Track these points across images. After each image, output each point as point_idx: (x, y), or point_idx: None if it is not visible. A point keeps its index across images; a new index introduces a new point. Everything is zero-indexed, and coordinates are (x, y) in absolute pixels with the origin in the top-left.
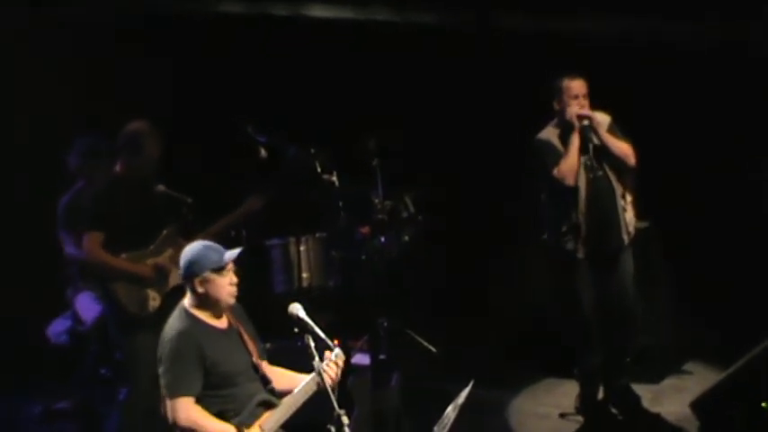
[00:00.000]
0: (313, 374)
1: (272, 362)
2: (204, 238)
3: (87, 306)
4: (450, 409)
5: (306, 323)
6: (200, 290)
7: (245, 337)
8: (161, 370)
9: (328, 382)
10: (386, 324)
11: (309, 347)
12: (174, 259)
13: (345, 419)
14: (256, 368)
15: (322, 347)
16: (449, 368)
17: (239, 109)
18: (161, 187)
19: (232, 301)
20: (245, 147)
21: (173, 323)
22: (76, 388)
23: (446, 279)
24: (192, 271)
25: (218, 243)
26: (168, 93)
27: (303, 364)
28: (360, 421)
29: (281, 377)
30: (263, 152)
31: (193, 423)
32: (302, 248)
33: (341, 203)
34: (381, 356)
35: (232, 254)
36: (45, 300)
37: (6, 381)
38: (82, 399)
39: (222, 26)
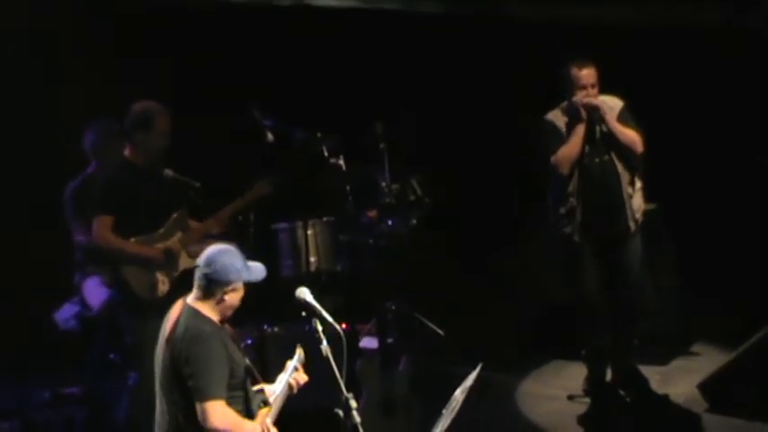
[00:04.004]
0: (287, 377)
1: (280, 347)
2: (214, 222)
3: (95, 291)
4: (458, 392)
5: (313, 307)
6: (226, 297)
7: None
8: (188, 372)
9: (296, 387)
10: (394, 308)
11: (317, 332)
12: (184, 243)
13: (353, 403)
14: (250, 370)
15: (330, 332)
16: (457, 351)
17: (246, 94)
18: (168, 171)
19: (231, 312)
20: (252, 131)
21: (191, 324)
22: (85, 373)
23: (454, 262)
24: (229, 279)
25: (227, 227)
26: (174, 78)
27: (311, 349)
28: (368, 405)
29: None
30: (269, 136)
31: (230, 425)
32: (310, 232)
33: (348, 187)
34: (389, 340)
35: (262, 271)
36: (53, 285)
37: (15, 366)
38: (91, 384)
39: (228, 14)
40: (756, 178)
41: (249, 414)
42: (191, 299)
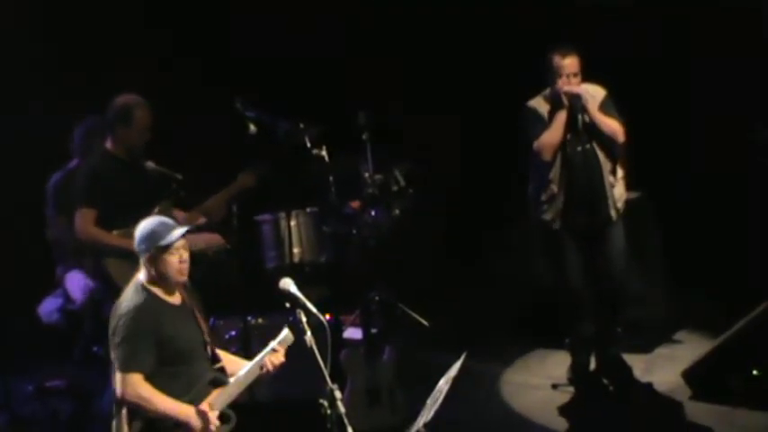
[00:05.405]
0: (261, 356)
1: (264, 339)
2: (198, 214)
3: (77, 284)
4: (442, 381)
5: (297, 298)
6: (149, 266)
7: (198, 314)
8: (114, 343)
9: (270, 368)
10: (377, 298)
11: (301, 322)
12: None
13: (338, 394)
14: (206, 346)
15: (314, 322)
16: (441, 341)
17: (230, 85)
18: (151, 164)
19: (182, 278)
20: (234, 122)
21: (128, 297)
22: (69, 366)
23: (437, 252)
24: (142, 247)
25: (211, 219)
26: (160, 70)
27: (295, 340)
28: (353, 395)
29: (228, 362)
30: (252, 127)
31: (140, 399)
32: (293, 223)
33: (331, 178)
34: (373, 330)
35: (178, 233)
36: (36, 277)
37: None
38: (75, 377)
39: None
40: (754, 175)
41: (188, 391)
42: (139, 273)
